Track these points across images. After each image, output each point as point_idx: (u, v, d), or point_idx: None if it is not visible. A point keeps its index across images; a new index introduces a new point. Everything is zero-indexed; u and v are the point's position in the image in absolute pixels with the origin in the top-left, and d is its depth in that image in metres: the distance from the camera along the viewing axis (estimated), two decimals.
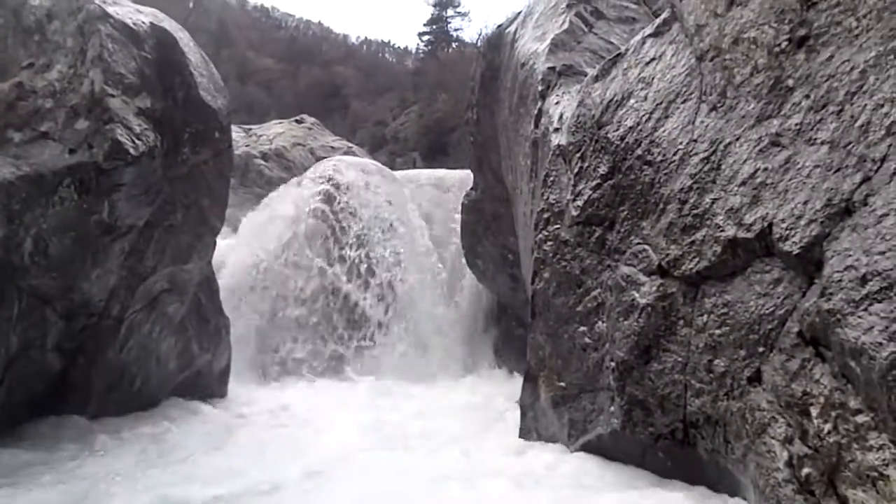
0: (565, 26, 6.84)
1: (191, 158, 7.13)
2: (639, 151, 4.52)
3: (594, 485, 4.38)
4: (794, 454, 3.06)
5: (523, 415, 6.02)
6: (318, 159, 14.32)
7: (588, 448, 4.91)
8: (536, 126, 6.30)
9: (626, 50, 5.09)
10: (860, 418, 2.72)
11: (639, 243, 4.44)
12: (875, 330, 2.60)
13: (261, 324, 10.58)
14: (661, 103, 4.44)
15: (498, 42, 8.66)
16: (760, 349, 3.36)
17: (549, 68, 6.41)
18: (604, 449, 4.76)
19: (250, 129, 15.67)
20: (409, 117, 34.20)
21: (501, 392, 8.58)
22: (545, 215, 5.58)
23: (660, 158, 4.31)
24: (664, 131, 4.33)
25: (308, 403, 8.36)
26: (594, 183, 4.95)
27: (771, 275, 3.35)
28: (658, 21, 4.85)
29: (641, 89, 4.69)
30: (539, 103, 6.30)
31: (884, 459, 2.61)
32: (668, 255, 4.10)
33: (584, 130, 5.20)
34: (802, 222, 3.11)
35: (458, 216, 10.96)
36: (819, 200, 3.05)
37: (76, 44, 6.04)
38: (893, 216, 2.68)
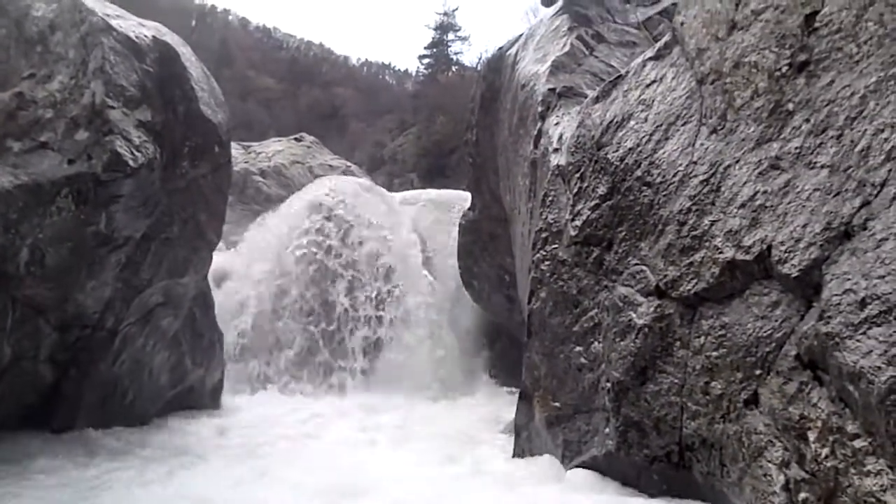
0: (566, 49, 6.91)
1: (189, 172, 7.13)
2: (638, 172, 4.53)
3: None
4: (791, 478, 3.04)
5: (517, 435, 5.98)
6: (317, 177, 14.38)
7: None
8: (536, 146, 6.32)
9: (627, 72, 5.11)
10: (858, 443, 2.71)
11: (636, 264, 4.43)
12: (874, 354, 2.60)
13: (251, 337, 10.59)
14: (661, 125, 4.45)
15: (498, 64, 8.72)
16: (758, 372, 3.34)
17: (549, 89, 6.45)
18: (599, 470, 4.70)
19: (249, 147, 15.66)
20: (408, 139, 34.21)
21: (491, 413, 8.55)
22: (543, 235, 5.58)
23: (659, 180, 4.32)
24: (664, 153, 4.34)
25: (297, 417, 8.41)
26: (593, 203, 4.95)
27: (769, 297, 3.35)
28: (659, 44, 4.89)
29: (642, 111, 4.71)
30: (539, 124, 6.33)
31: (882, 485, 2.59)
32: (665, 276, 4.10)
33: (583, 151, 5.21)
34: (801, 245, 3.11)
35: (454, 234, 11.00)
36: (818, 224, 3.05)
37: (78, 55, 6.05)
38: (893, 240, 2.68)
